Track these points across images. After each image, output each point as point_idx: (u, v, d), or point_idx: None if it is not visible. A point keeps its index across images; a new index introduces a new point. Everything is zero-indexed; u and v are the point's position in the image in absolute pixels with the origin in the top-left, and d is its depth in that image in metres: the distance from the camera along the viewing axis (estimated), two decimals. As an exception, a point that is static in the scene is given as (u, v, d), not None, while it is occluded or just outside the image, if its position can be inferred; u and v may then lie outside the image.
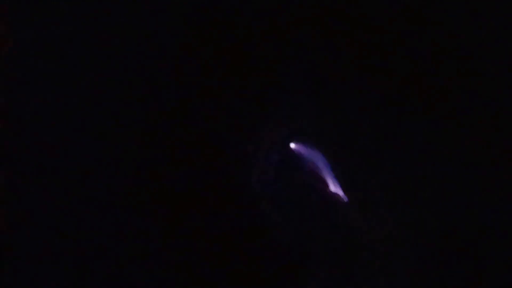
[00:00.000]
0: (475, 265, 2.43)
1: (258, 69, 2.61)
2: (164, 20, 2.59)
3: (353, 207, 2.56)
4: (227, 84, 2.60)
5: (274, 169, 2.57)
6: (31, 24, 2.52)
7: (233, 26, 2.60)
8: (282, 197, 2.56)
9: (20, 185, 2.48)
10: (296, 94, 2.62)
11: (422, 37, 2.55)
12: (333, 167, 2.57)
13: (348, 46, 2.59)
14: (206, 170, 2.56)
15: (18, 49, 2.51)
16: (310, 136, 2.58)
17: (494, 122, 2.52)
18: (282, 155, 2.58)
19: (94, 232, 2.47)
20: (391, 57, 2.58)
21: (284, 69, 2.62)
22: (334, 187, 2.57)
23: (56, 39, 2.53)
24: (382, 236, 2.51)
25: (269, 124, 2.61)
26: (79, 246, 2.45)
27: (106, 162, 2.53)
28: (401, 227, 2.50)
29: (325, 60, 2.60)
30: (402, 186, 2.53)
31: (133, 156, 2.55)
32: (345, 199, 2.55)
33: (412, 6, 2.51)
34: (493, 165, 2.47)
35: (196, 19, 2.60)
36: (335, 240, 2.52)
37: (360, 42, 2.59)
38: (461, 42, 2.52)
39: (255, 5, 2.61)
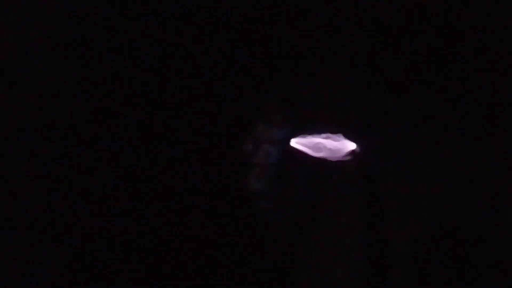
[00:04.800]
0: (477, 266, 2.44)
1: (257, 65, 2.60)
2: (156, 17, 2.59)
3: (352, 208, 2.56)
4: (225, 80, 2.59)
5: (274, 168, 2.57)
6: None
7: (231, 21, 2.59)
8: (282, 196, 2.55)
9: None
10: (297, 92, 2.62)
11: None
12: (334, 167, 2.58)
13: (350, 42, 2.59)
14: (204, 169, 2.56)
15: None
16: (311, 135, 2.58)
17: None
18: (282, 153, 2.58)
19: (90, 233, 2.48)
20: (392, 55, 2.58)
21: (284, 66, 2.62)
22: (335, 187, 2.58)
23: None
24: (379, 238, 2.52)
25: (269, 122, 2.61)
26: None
27: (102, 163, 2.53)
28: (401, 231, 2.51)
29: (327, 56, 2.60)
30: (406, 189, 2.53)
31: (129, 156, 2.54)
32: (345, 198, 2.57)
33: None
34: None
35: (191, 14, 2.60)
36: (335, 240, 2.52)
37: (362, 40, 2.59)
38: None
39: (254, 2, 2.62)
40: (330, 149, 2.55)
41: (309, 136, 2.57)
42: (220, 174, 2.53)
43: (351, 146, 2.55)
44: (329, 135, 2.55)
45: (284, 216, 2.53)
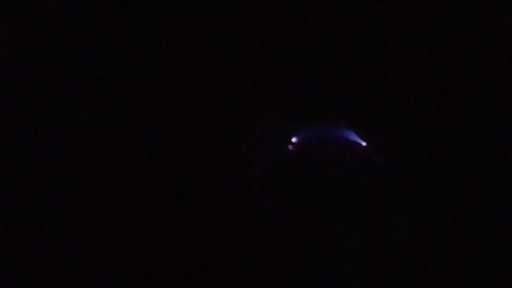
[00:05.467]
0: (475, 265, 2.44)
1: (257, 64, 2.59)
2: (156, 16, 2.58)
3: (353, 210, 2.56)
4: (225, 80, 2.58)
5: (274, 167, 2.56)
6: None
7: (231, 20, 2.58)
8: (282, 196, 2.55)
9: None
10: (298, 91, 2.61)
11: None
12: (335, 166, 2.57)
13: (351, 42, 2.57)
14: (204, 169, 2.56)
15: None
16: (312, 133, 2.58)
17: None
18: (283, 153, 2.57)
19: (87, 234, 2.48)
20: (393, 54, 2.57)
21: (285, 65, 2.61)
22: (336, 186, 2.57)
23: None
24: (378, 239, 2.52)
25: (269, 120, 2.60)
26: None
27: (101, 163, 2.53)
28: (402, 231, 2.50)
29: (327, 55, 2.59)
30: (407, 189, 2.53)
31: (129, 156, 2.54)
32: (346, 199, 2.56)
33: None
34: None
35: (191, 14, 2.59)
36: (336, 239, 2.52)
37: (362, 39, 2.57)
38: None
39: (254, 2, 2.60)
40: (330, 148, 2.54)
41: (310, 134, 2.56)
42: (220, 174, 2.53)
43: (352, 145, 2.54)
44: (330, 134, 2.54)
45: (284, 216, 2.53)
